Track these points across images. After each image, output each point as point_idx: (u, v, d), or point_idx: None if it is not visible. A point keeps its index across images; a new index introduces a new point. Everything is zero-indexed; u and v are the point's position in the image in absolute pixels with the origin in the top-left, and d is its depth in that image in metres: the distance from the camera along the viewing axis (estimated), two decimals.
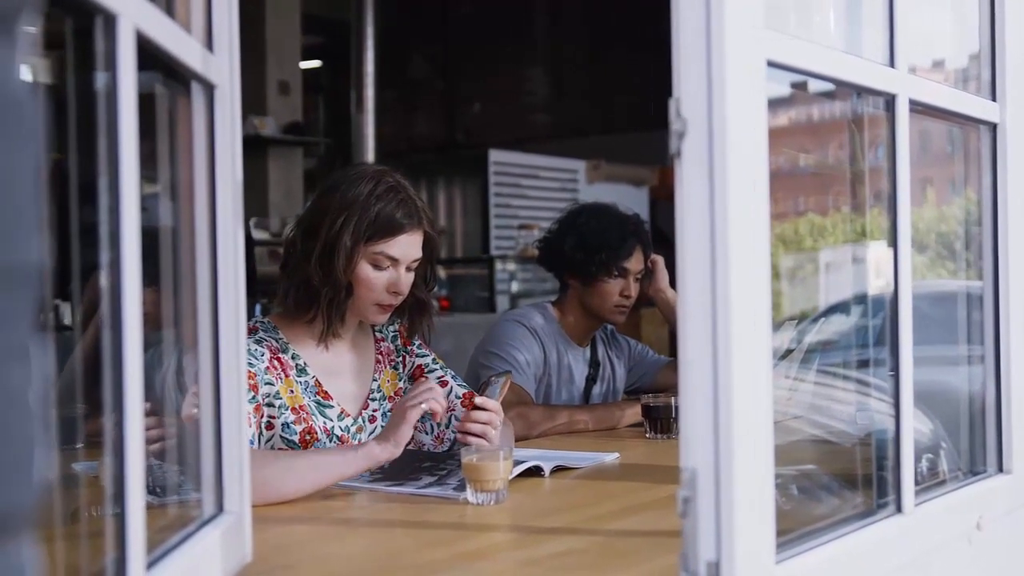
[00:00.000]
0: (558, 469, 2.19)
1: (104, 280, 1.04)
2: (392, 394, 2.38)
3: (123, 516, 1.02)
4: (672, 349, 5.80)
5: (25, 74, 0.57)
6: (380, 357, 2.39)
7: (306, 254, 2.20)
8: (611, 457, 2.36)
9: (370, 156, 8.83)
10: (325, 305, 2.20)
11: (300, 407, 2.20)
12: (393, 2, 9.51)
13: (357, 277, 2.20)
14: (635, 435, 2.73)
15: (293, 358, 2.24)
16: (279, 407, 2.16)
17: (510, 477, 1.93)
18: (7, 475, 0.55)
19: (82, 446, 1.42)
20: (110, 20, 1.01)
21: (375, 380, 2.36)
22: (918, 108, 1.58)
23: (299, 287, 2.21)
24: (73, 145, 1.05)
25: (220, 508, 1.39)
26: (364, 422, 2.30)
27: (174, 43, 1.19)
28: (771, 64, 1.26)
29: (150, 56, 1.13)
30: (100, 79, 1.03)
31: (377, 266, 2.21)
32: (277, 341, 2.22)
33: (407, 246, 2.22)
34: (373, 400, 2.34)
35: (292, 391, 2.20)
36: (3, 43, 0.55)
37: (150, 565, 1.10)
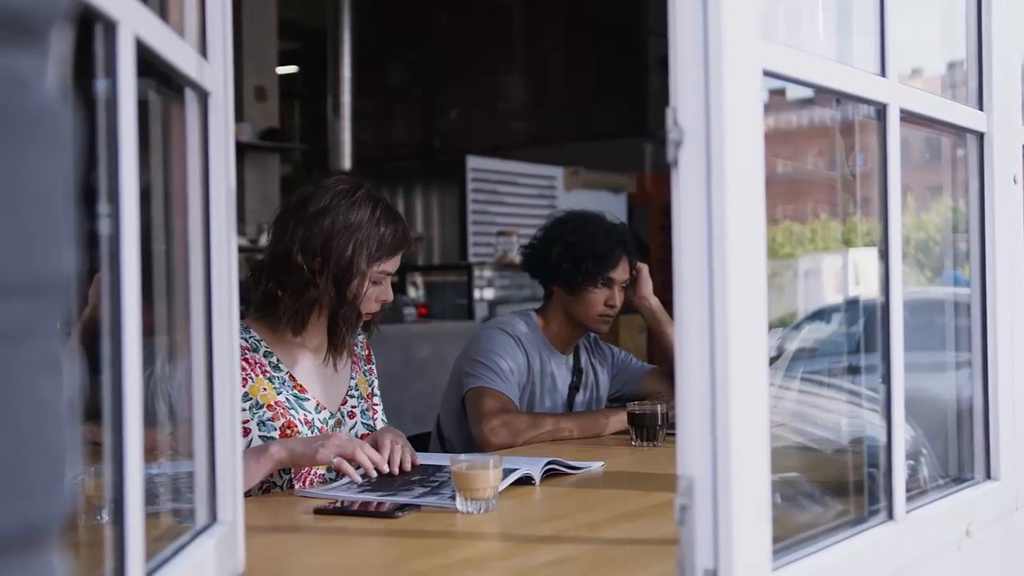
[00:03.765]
0: (550, 471, 2.21)
1: (102, 287, 1.03)
2: (366, 395, 2.47)
3: (122, 526, 1.01)
4: (651, 356, 5.82)
5: (57, 85, 0.57)
6: (355, 358, 2.48)
7: (313, 275, 2.24)
8: (597, 465, 2.36)
9: (347, 163, 8.82)
10: (344, 328, 2.30)
11: (276, 403, 2.25)
12: (370, 9, 9.51)
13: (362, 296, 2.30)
14: (620, 443, 2.73)
15: (265, 355, 2.29)
16: (250, 408, 2.21)
17: (502, 488, 1.93)
18: (42, 486, 0.55)
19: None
20: (110, 27, 1.00)
21: (352, 378, 2.45)
22: (907, 117, 1.59)
23: (307, 306, 2.28)
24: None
25: (214, 518, 1.38)
26: (344, 416, 2.39)
27: (171, 50, 1.19)
28: (767, 73, 1.26)
29: (145, 62, 1.12)
30: (99, 85, 1.03)
31: (376, 283, 2.32)
32: (247, 340, 2.25)
33: (399, 260, 2.37)
34: (352, 396, 2.43)
35: (265, 389, 2.26)
36: (35, 54, 0.55)
37: (147, 575, 1.09)
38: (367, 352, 2.54)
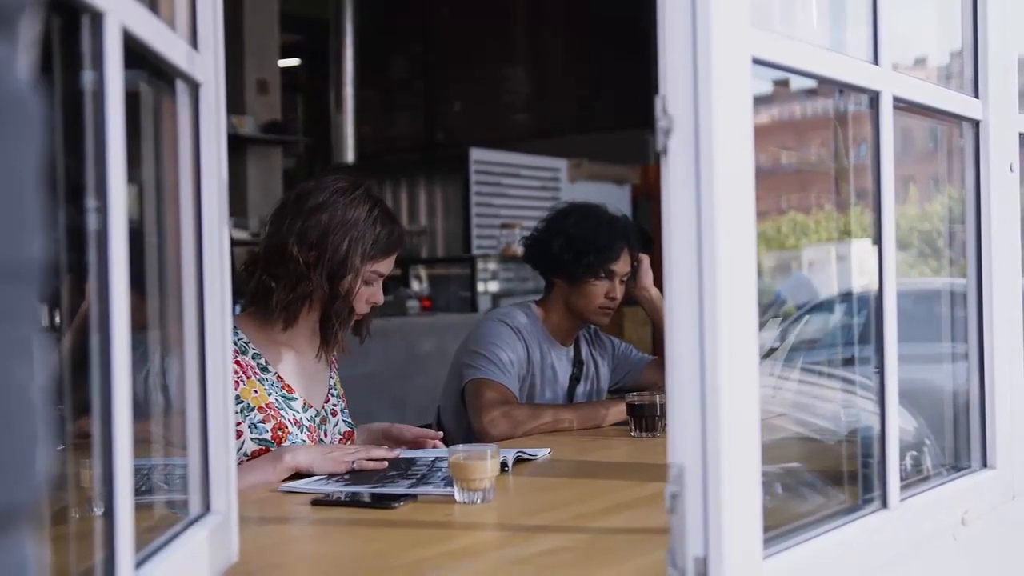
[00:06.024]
0: (518, 461, 2.25)
1: (89, 281, 1.03)
2: (341, 394, 2.51)
3: (111, 516, 1.02)
4: (655, 348, 5.81)
5: (26, 72, 0.57)
6: (333, 359, 2.50)
7: (307, 269, 2.26)
8: (543, 452, 2.38)
9: (349, 156, 8.82)
10: (337, 323, 2.32)
11: (267, 405, 2.27)
12: (372, 1, 9.50)
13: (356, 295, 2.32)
14: (620, 433, 2.73)
15: (253, 357, 2.31)
16: (242, 410, 2.22)
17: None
18: (11, 471, 0.55)
19: (63, 448, 1.42)
20: (97, 18, 1.00)
21: (332, 378, 2.48)
22: (902, 105, 1.59)
23: (300, 300, 2.29)
24: (57, 144, 1.04)
25: (207, 508, 1.38)
26: (327, 414, 2.42)
27: (160, 41, 1.19)
28: (756, 61, 1.26)
29: (134, 54, 1.12)
30: (86, 77, 1.03)
31: (367, 283, 2.33)
32: (235, 343, 2.26)
33: (392, 263, 2.38)
34: (333, 395, 2.46)
35: (256, 391, 2.27)
36: (4, 42, 0.55)
37: (138, 565, 1.10)
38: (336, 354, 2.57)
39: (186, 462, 1.39)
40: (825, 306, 2.50)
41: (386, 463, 2.16)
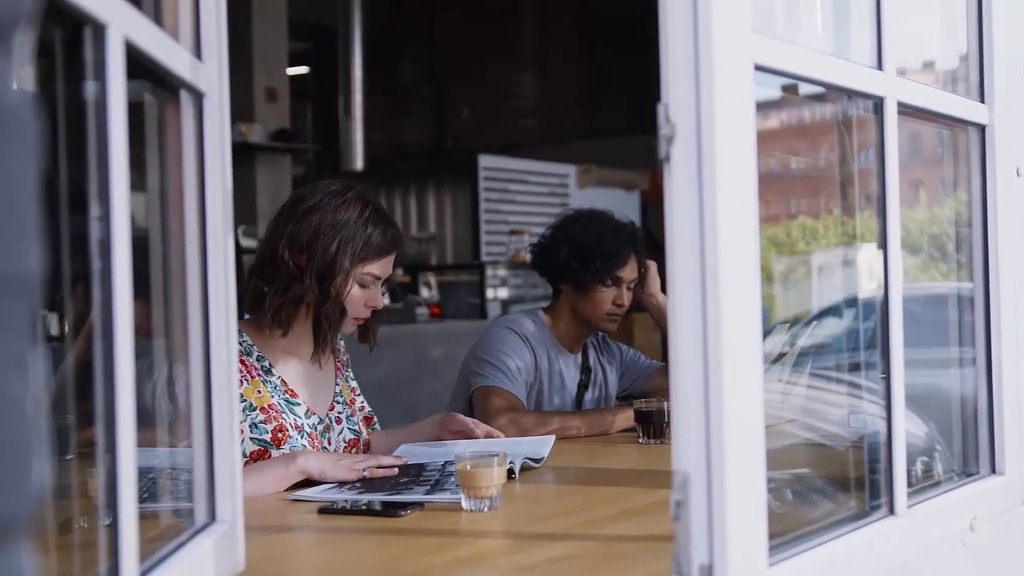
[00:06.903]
0: (524, 468, 2.24)
1: (94, 290, 1.04)
2: (349, 400, 2.50)
3: (116, 525, 1.02)
4: (664, 354, 5.80)
5: (22, 84, 0.58)
6: (339, 365, 2.51)
7: (299, 271, 2.25)
8: (548, 442, 2.41)
9: (359, 163, 8.82)
10: (327, 325, 2.31)
11: (269, 406, 2.28)
12: (380, 8, 9.51)
13: (347, 297, 2.31)
14: (628, 440, 2.73)
15: (258, 360, 2.31)
16: (244, 409, 2.22)
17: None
18: (7, 482, 0.55)
19: (72, 457, 1.42)
20: (99, 30, 1.01)
21: (337, 385, 2.48)
22: (906, 110, 1.59)
23: (292, 303, 2.28)
24: (61, 154, 1.04)
25: (212, 517, 1.39)
26: (331, 422, 2.41)
27: (163, 52, 1.19)
28: (759, 68, 1.26)
29: (138, 64, 1.13)
30: (89, 88, 1.03)
31: (362, 285, 2.32)
32: (241, 344, 2.27)
33: (389, 266, 2.37)
34: (338, 403, 2.45)
35: (259, 391, 2.28)
36: (0, 54, 0.55)
37: (143, 574, 1.10)
38: (347, 356, 2.58)
39: (190, 461, 1.39)
40: (834, 311, 2.49)
41: (396, 470, 2.16)
